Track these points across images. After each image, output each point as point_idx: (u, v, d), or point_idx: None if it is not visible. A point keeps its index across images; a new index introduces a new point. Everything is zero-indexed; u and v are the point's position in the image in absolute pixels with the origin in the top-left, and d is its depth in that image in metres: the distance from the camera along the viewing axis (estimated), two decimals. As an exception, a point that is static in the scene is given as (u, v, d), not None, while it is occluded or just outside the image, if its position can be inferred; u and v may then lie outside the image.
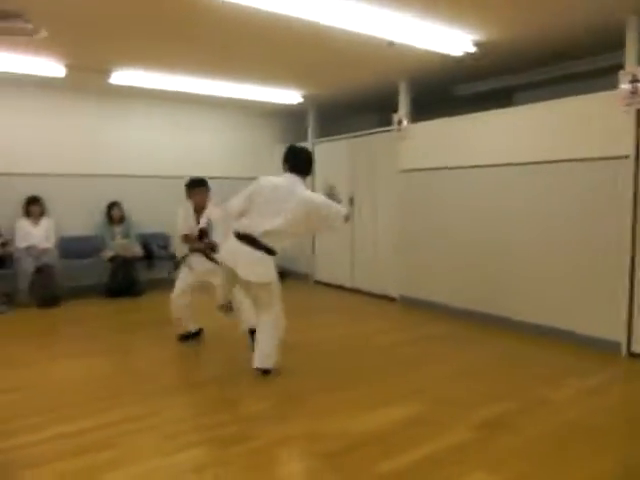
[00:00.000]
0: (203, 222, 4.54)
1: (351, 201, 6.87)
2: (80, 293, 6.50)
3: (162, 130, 7.56)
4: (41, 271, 6.10)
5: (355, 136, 7.06)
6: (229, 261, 3.59)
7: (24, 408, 3.28)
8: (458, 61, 5.18)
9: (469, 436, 2.84)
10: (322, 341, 4.80)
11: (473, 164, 5.45)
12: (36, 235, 6.31)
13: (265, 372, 3.71)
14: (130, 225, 6.98)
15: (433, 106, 6.26)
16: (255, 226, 3.49)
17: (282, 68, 5.79)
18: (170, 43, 4.88)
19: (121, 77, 5.95)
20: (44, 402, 3.39)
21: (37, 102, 6.65)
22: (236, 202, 3.62)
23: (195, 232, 4.51)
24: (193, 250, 4.49)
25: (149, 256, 6.96)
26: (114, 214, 6.85)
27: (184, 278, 4.53)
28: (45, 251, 6.24)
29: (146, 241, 7.03)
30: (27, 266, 6.02)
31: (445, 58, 5.06)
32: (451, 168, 5.69)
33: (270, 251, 3.54)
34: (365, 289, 6.93)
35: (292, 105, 7.47)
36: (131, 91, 6.72)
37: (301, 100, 7.18)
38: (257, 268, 3.52)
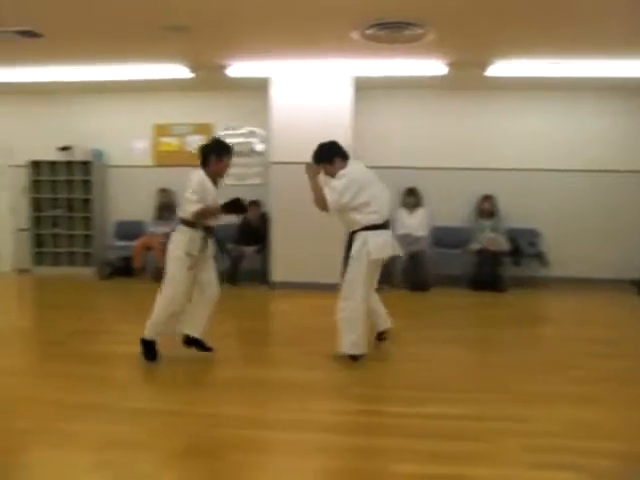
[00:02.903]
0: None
1: None
2: (446, 282, 6.74)
3: (538, 121, 7.17)
4: (414, 257, 6.58)
5: None
6: (385, 251, 3.87)
7: (396, 379, 3.57)
8: None
9: None
10: None
11: None
12: (411, 224, 6.83)
13: None
14: (500, 219, 6.87)
15: None
16: (387, 211, 3.97)
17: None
18: (558, 26, 4.51)
19: (497, 69, 5.87)
20: (412, 379, 3.62)
21: (414, 101, 7.17)
22: (341, 195, 3.79)
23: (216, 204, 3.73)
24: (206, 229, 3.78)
25: (516, 252, 6.73)
26: (485, 207, 6.85)
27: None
28: (419, 239, 6.70)
29: (514, 236, 6.81)
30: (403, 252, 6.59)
31: None
32: None
33: None
34: None
35: None
36: (506, 83, 6.56)
37: None
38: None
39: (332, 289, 6.33)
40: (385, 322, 4.24)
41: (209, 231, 3.80)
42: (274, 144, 6.65)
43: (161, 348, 3.86)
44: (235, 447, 2.71)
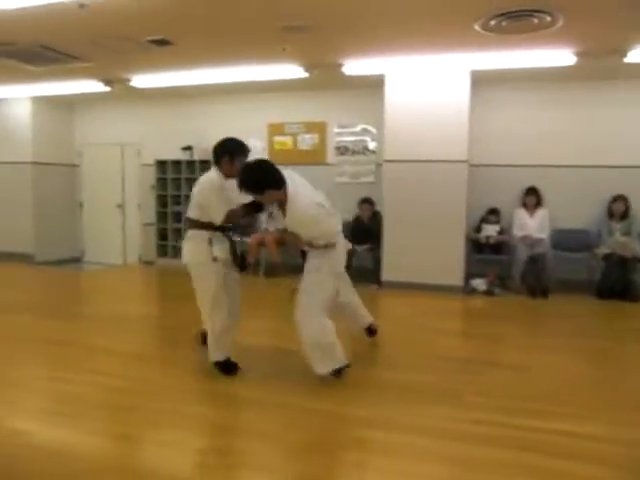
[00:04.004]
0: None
1: None
2: (567, 287, 6.29)
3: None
4: (534, 261, 6.21)
5: None
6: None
7: (512, 388, 3.38)
8: None
9: None
10: None
11: None
12: (531, 225, 6.45)
13: None
14: (634, 222, 6.27)
15: None
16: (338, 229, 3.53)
17: None
18: None
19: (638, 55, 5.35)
20: (529, 389, 3.40)
21: (535, 95, 6.74)
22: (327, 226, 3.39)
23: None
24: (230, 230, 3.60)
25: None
26: (616, 208, 6.29)
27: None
28: (539, 241, 6.31)
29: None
30: (521, 254, 6.24)
31: None
32: None
33: None
34: None
35: None
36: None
37: None
38: None
39: (444, 290, 6.22)
40: None
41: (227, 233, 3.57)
42: (387, 142, 6.57)
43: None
44: (352, 447, 2.70)
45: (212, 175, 3.48)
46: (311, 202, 3.29)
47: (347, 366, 3.51)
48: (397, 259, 6.57)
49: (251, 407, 3.16)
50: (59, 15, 4.43)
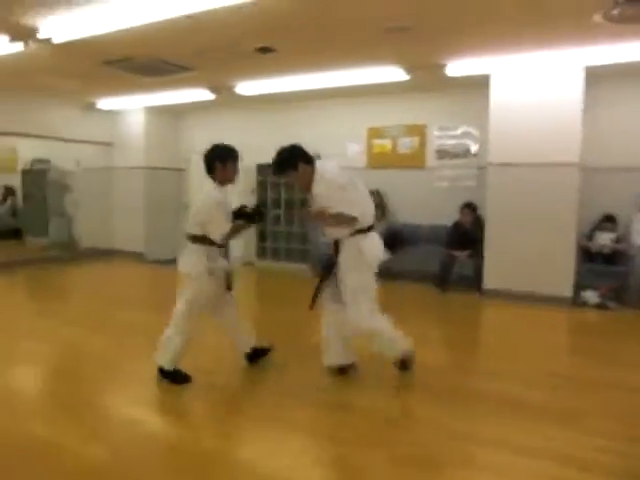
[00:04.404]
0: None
1: None
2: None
3: None
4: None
5: None
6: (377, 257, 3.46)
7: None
8: None
9: None
10: None
11: None
12: (652, 233, 5.90)
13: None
14: None
15: None
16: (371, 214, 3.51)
17: None
18: None
19: None
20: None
21: None
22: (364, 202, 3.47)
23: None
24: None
25: None
26: None
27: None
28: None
29: None
30: (641, 264, 5.73)
31: None
32: None
33: None
34: None
35: None
36: None
37: None
38: None
39: (550, 301, 5.84)
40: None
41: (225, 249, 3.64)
42: (492, 144, 6.29)
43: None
44: (463, 464, 2.59)
45: (209, 191, 3.48)
46: (341, 174, 3.43)
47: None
48: (500, 266, 6.27)
49: (355, 414, 3.13)
50: (171, 29, 4.68)
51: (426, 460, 2.60)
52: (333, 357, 3.63)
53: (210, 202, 3.41)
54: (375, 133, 7.78)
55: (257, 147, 8.49)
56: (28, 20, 4.65)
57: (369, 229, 3.46)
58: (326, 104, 7.96)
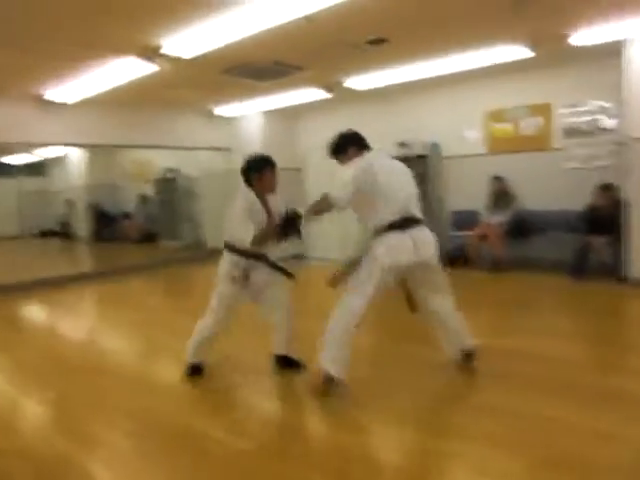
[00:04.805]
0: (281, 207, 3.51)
1: None
2: None
3: None
4: None
5: None
6: (405, 255, 3.09)
7: None
8: None
9: None
10: None
11: None
12: None
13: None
14: None
15: None
16: (406, 207, 3.16)
17: None
18: None
19: None
20: None
21: None
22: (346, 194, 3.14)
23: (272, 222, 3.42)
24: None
25: None
26: None
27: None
28: None
29: None
30: None
31: None
32: None
33: None
34: None
35: None
36: None
37: None
38: (433, 246, 3.23)
39: None
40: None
41: (260, 258, 3.52)
42: (633, 118, 5.72)
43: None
44: (589, 462, 2.39)
45: (242, 193, 3.52)
46: (368, 163, 3.23)
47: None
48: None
49: (501, 415, 3.01)
50: (287, 31, 4.78)
51: (575, 463, 2.42)
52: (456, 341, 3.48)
53: (236, 210, 3.44)
54: (494, 116, 7.41)
55: (372, 140, 8.44)
56: (160, 41, 5.00)
57: (392, 227, 3.11)
58: (440, 91, 7.73)
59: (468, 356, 3.48)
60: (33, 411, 3.38)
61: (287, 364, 3.71)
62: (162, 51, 5.18)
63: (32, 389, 3.72)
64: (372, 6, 4.30)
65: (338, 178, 3.23)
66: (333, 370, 3.15)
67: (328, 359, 3.16)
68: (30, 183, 16.72)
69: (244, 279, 3.47)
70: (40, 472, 2.58)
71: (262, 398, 3.39)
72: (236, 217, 3.42)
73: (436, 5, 4.46)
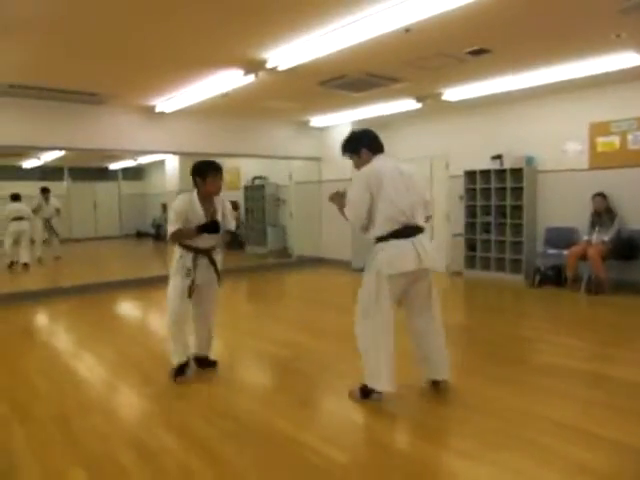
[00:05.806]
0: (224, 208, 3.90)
1: None
2: None
3: None
4: None
5: None
6: (408, 263, 3.12)
7: None
8: None
9: None
10: None
11: None
12: None
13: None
14: None
15: None
16: (410, 215, 3.19)
17: None
18: None
19: None
20: None
21: None
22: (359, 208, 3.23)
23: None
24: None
25: None
26: None
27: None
28: None
29: None
30: None
31: None
32: None
33: None
34: None
35: None
36: None
37: None
38: (433, 254, 3.29)
39: None
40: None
41: (202, 253, 3.78)
42: None
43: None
44: None
45: (185, 195, 3.75)
46: (375, 169, 3.22)
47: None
48: None
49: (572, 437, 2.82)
50: (384, 43, 4.78)
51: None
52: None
53: (175, 203, 3.72)
54: (599, 129, 7.01)
55: (463, 154, 8.31)
56: (259, 54, 5.17)
57: (397, 235, 3.19)
58: (541, 102, 7.44)
59: (435, 384, 3.48)
60: (135, 402, 3.57)
61: (204, 363, 4.06)
62: (261, 63, 5.36)
63: (134, 382, 3.92)
64: (477, 16, 4.22)
65: (349, 195, 3.32)
66: (370, 383, 3.31)
67: (366, 374, 3.32)
68: (129, 186, 17.82)
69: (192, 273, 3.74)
70: (142, 457, 2.71)
71: (347, 405, 3.37)
72: (170, 214, 3.72)
73: (544, 14, 4.30)
